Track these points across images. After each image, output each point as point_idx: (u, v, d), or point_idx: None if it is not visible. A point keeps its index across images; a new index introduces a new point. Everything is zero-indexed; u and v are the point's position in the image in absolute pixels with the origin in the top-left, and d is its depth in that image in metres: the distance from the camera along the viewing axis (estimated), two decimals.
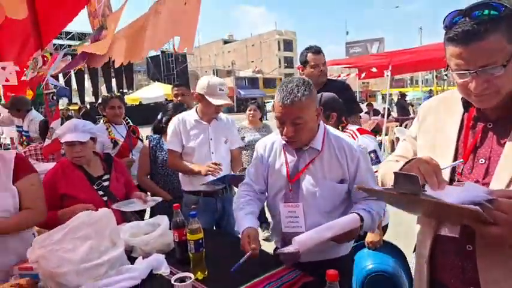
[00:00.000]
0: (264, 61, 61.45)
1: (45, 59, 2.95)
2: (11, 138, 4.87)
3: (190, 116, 2.61)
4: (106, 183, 2.20)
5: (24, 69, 3.02)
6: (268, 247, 1.84)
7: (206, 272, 1.56)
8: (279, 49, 61.57)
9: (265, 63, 60.45)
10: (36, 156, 3.12)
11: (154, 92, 17.89)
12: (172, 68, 29.31)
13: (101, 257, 1.55)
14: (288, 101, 1.45)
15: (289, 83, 1.50)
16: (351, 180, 1.60)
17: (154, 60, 29.40)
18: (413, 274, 1.35)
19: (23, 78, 3.05)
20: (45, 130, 3.12)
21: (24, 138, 4.51)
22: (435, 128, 1.23)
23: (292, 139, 1.54)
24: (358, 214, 1.45)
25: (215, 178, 2.37)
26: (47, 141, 2.89)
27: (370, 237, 2.18)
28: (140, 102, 19.45)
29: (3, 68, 3.27)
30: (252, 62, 62.49)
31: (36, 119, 4.44)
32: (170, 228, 1.82)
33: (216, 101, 2.46)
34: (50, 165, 2.75)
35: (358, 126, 2.43)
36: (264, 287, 1.43)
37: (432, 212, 1.09)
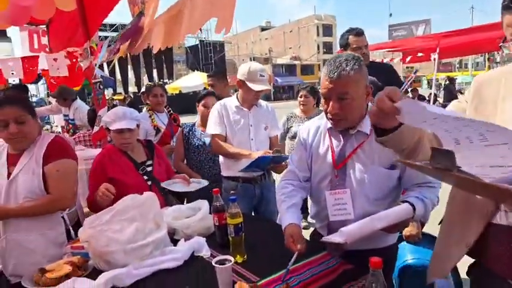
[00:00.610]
0: (302, 47, 60.34)
1: (92, 49, 3.08)
2: (62, 127, 5.17)
3: (231, 102, 2.63)
4: (149, 169, 2.29)
5: (79, 60, 3.18)
6: (306, 234, 1.83)
7: (245, 256, 1.58)
8: (318, 34, 60.05)
9: (303, 50, 59.37)
10: (85, 142, 3.31)
11: (194, 80, 18.22)
12: (210, 57, 29.64)
13: (146, 238, 1.62)
14: (335, 74, 1.37)
15: (337, 58, 1.41)
16: (404, 166, 1.50)
17: (193, 50, 29.89)
18: None
19: (81, 66, 3.19)
20: (93, 118, 3.28)
21: (70, 126, 4.77)
22: (494, 99, 1.12)
23: (337, 117, 1.44)
24: (410, 203, 1.35)
25: (249, 163, 2.37)
26: (95, 129, 3.04)
27: (408, 230, 2.09)
28: (180, 91, 19.90)
29: (55, 60, 3.46)
30: (290, 48, 61.61)
31: (81, 108, 4.69)
32: (210, 213, 1.87)
33: (256, 87, 2.46)
34: (98, 151, 2.90)
35: None
36: (304, 272, 1.43)
37: (468, 188, 1.01)
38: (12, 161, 1.86)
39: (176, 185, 2.32)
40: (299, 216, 1.60)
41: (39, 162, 1.84)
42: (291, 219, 1.54)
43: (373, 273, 0.92)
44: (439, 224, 1.35)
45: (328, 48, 59.67)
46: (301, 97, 3.73)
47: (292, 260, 1.36)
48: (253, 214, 2.72)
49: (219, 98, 2.88)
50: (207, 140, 2.80)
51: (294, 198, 1.64)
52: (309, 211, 1.82)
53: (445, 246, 1.27)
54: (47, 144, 1.87)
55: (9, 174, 1.83)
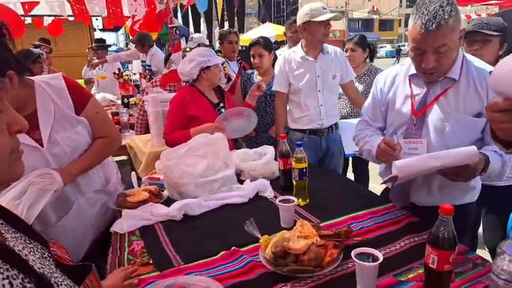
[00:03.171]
0: (383, 0, 55.43)
1: None
2: (140, 73, 5.49)
3: (295, 53, 2.56)
4: (223, 110, 2.42)
5: (156, 3, 3.28)
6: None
7: (308, 200, 1.62)
8: None
9: (383, 2, 54.52)
10: (160, 86, 3.49)
11: (265, 32, 17.89)
12: (282, 10, 28.79)
13: (216, 175, 1.74)
14: (434, 26, 1.21)
15: (430, 4, 1.25)
16: None
17: (266, 2, 29.17)
18: None
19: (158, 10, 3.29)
20: (167, 60, 3.43)
21: (147, 71, 5.04)
22: None
23: (433, 70, 1.32)
24: (483, 153, 1.23)
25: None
26: (165, 71, 3.16)
27: None
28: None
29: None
30: (369, 0, 56.99)
31: (157, 54, 4.91)
32: (275, 159, 1.92)
33: (323, 17, 2.36)
34: (172, 95, 3.07)
35: None
36: (366, 220, 1.43)
37: None
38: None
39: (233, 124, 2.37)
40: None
41: (72, 109, 1.53)
42: (378, 139, 1.48)
43: (442, 219, 0.89)
44: None
45: (412, 1, 54.00)
46: (346, 51, 3.09)
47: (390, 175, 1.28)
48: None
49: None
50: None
51: (373, 132, 1.61)
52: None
53: None
54: (66, 88, 1.52)
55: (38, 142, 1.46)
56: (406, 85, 1.50)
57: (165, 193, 1.80)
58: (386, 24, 47.19)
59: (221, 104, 2.44)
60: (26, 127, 0.58)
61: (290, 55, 2.57)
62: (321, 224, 1.38)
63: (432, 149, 1.38)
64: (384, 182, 1.42)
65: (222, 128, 2.19)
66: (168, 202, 1.65)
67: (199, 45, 4.30)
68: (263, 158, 1.98)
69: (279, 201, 1.42)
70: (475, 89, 1.35)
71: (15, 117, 0.57)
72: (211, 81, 2.37)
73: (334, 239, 1.17)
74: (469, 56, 1.42)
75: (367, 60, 3.19)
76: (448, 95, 1.38)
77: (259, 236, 1.25)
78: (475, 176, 1.26)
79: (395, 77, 1.56)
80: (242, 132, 2.43)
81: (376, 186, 1.82)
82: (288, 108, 2.69)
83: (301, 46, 2.55)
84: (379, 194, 1.74)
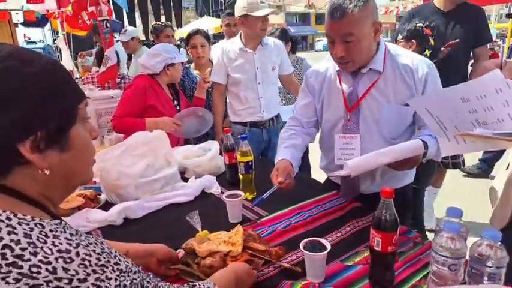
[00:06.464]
0: None
1: None
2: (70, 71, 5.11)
3: (234, 44, 2.51)
4: (178, 108, 2.43)
5: None
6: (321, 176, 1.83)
7: (255, 193, 1.60)
8: None
9: None
10: (93, 84, 3.26)
11: (202, 25, 17.66)
12: (221, 3, 28.46)
13: (157, 174, 1.64)
14: (338, 14, 1.25)
15: None
16: None
17: None
18: None
19: None
20: (100, 57, 3.21)
21: None
22: None
23: (343, 60, 1.35)
24: (422, 141, 1.28)
25: None
26: (102, 69, 2.97)
27: None
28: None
29: None
30: None
31: None
32: (220, 154, 1.88)
33: (261, 12, 2.33)
34: (106, 92, 2.88)
35: None
36: (312, 209, 1.45)
37: None
38: None
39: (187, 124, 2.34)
40: (294, 155, 1.51)
41: None
42: (283, 155, 1.49)
43: (383, 202, 0.91)
44: None
45: None
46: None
47: (269, 192, 1.34)
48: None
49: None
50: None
51: (293, 140, 1.57)
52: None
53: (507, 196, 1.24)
54: None
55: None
56: (336, 81, 1.51)
57: (103, 197, 1.67)
58: (322, 18, 48.52)
59: (175, 102, 2.42)
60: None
61: (228, 46, 2.52)
62: (268, 217, 1.37)
63: (369, 141, 1.43)
64: (331, 176, 1.45)
65: (179, 125, 2.21)
66: (107, 207, 1.52)
67: (132, 39, 4.09)
68: (208, 154, 1.92)
69: (226, 197, 1.38)
70: (402, 79, 1.40)
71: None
72: (173, 77, 2.37)
73: (262, 255, 1.07)
74: (393, 48, 1.46)
75: (290, 53, 3.22)
76: (378, 86, 1.42)
77: (199, 229, 1.21)
78: (417, 164, 1.32)
79: (325, 73, 1.55)
80: (197, 132, 2.38)
81: (319, 175, 1.86)
82: (228, 100, 2.65)
83: (240, 37, 2.51)
84: (322, 182, 1.77)
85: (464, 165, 3.02)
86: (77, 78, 5.01)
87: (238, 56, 2.48)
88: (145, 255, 1.03)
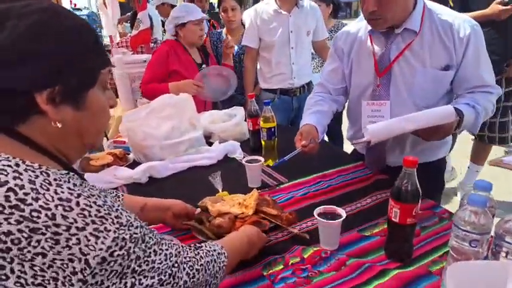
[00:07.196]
0: None
1: None
2: (110, 36, 5.17)
3: (268, 5, 2.40)
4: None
5: None
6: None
7: (277, 160, 1.58)
8: None
9: None
10: (127, 48, 3.30)
11: None
12: None
13: (182, 137, 1.67)
14: None
15: None
16: (458, 66, 1.27)
17: None
18: None
19: None
20: (134, 21, 3.23)
21: None
22: None
23: (375, 16, 1.21)
24: (456, 108, 1.15)
25: None
26: (134, 32, 2.99)
27: None
28: None
29: None
30: None
31: None
32: (245, 120, 1.86)
33: None
34: (139, 56, 2.91)
35: None
36: (334, 178, 1.41)
37: None
38: None
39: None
40: (320, 120, 1.42)
41: None
42: (308, 120, 1.41)
43: (406, 171, 0.86)
44: None
45: None
46: None
47: (291, 154, 1.29)
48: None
49: None
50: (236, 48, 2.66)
51: (319, 106, 1.48)
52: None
53: None
54: None
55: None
56: (368, 42, 1.38)
57: (131, 156, 1.73)
58: None
59: (203, 66, 2.39)
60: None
61: (262, 7, 2.43)
62: (288, 184, 1.36)
63: (401, 109, 1.29)
64: (354, 144, 1.39)
65: (200, 86, 2.19)
66: (134, 165, 1.58)
67: (163, 4, 4.04)
68: (233, 119, 1.92)
69: (246, 162, 1.38)
70: (440, 40, 1.26)
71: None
72: (187, 39, 2.33)
73: (273, 219, 1.07)
74: (432, 5, 1.31)
75: (331, 16, 3.00)
76: (413, 48, 1.28)
77: (220, 189, 1.24)
78: (450, 134, 1.21)
79: (355, 34, 1.43)
80: (221, 94, 2.35)
81: (349, 146, 1.80)
82: (258, 67, 2.60)
83: None
84: (349, 153, 1.72)
85: None
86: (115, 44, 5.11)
87: (272, 18, 2.39)
88: (162, 208, 1.07)
